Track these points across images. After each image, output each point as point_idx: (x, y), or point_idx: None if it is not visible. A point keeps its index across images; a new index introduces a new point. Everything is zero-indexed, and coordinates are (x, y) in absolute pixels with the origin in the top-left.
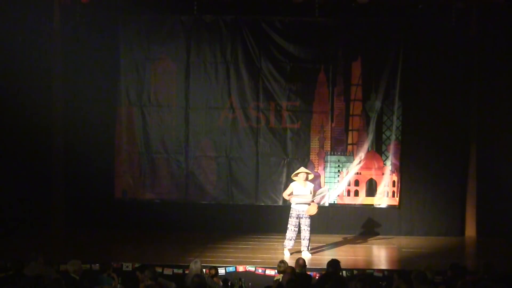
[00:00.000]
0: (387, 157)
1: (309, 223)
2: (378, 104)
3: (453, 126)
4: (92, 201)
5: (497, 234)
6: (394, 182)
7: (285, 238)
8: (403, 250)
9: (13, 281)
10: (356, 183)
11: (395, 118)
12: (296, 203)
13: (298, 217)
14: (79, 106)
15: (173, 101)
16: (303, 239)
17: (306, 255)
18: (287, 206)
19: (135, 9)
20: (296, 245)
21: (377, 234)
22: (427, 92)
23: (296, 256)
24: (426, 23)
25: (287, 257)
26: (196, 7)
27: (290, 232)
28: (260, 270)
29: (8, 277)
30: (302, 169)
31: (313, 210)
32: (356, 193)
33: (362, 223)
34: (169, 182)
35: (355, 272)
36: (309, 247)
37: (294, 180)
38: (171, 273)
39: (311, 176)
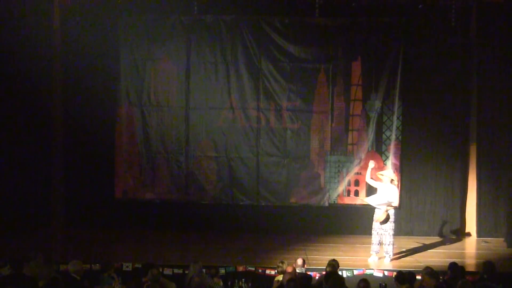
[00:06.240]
0: (387, 157)
1: (391, 227)
2: (378, 104)
3: (453, 126)
4: (92, 201)
5: (497, 234)
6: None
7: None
8: (404, 250)
9: (13, 281)
10: (356, 183)
11: (395, 118)
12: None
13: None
14: (79, 106)
15: (173, 101)
16: (386, 244)
17: (385, 262)
18: (286, 206)
19: (135, 9)
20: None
21: None
22: (427, 92)
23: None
24: (426, 23)
25: (371, 263)
26: (196, 7)
27: (373, 237)
28: (260, 270)
29: (8, 277)
30: (389, 172)
31: (381, 216)
32: (356, 193)
33: (362, 223)
34: (169, 182)
35: (355, 272)
36: (391, 254)
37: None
38: (171, 273)
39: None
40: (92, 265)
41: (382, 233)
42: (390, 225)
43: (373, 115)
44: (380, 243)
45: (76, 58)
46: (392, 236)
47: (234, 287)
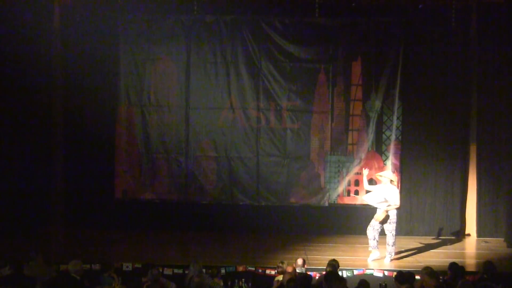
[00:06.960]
0: (387, 157)
1: (393, 227)
2: (378, 104)
3: (453, 126)
4: (92, 201)
5: (497, 234)
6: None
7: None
8: (404, 250)
9: (13, 281)
10: (356, 183)
11: (395, 118)
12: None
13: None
14: (79, 106)
15: (173, 101)
16: (389, 245)
17: (385, 262)
18: (286, 206)
19: (135, 9)
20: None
21: None
22: (427, 92)
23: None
24: (426, 23)
25: (371, 263)
26: (196, 7)
27: (368, 232)
28: (260, 270)
29: (8, 277)
30: (388, 173)
31: (380, 216)
32: (356, 193)
33: (362, 223)
34: (169, 182)
35: (355, 272)
36: (393, 254)
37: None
38: (171, 273)
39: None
40: (92, 265)
41: (386, 233)
42: (393, 225)
43: (373, 115)
44: (375, 238)
45: (76, 58)
46: (394, 237)
47: (234, 287)
